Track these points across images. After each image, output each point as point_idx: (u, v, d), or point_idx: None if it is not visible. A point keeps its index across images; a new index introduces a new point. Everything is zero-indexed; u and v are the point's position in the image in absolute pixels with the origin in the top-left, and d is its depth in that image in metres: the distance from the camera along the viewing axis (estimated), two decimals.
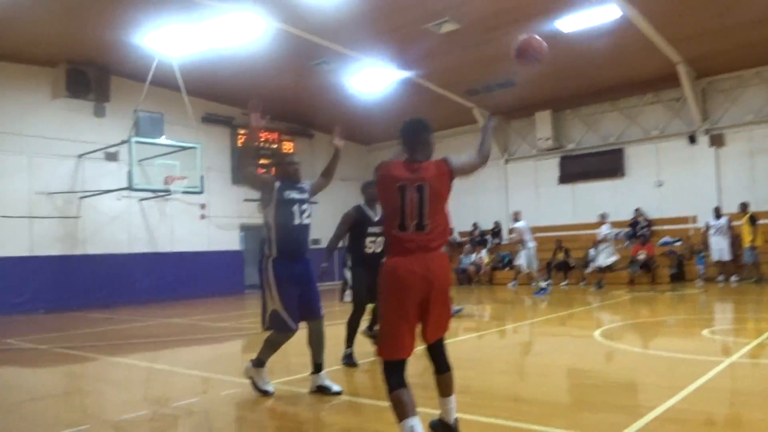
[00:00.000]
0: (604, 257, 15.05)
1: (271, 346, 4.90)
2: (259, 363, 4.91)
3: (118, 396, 5.52)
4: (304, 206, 4.87)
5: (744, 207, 14.12)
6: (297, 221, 4.80)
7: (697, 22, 12.82)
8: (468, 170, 3.55)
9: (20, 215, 14.35)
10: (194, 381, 5.90)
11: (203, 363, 7.01)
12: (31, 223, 14.55)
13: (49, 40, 13.61)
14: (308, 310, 4.84)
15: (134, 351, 7.91)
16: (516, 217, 14.26)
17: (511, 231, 15.32)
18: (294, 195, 4.82)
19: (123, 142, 14.07)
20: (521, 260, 14.21)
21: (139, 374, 6.55)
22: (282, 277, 4.72)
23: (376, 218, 5.92)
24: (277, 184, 4.80)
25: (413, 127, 3.47)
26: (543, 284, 13.75)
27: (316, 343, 4.93)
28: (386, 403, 3.25)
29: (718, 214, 14.36)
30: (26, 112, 14.64)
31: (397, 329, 3.20)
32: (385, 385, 3.20)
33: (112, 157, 15.63)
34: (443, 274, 3.30)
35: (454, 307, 13.58)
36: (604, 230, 15.13)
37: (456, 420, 3.48)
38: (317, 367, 4.91)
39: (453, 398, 3.47)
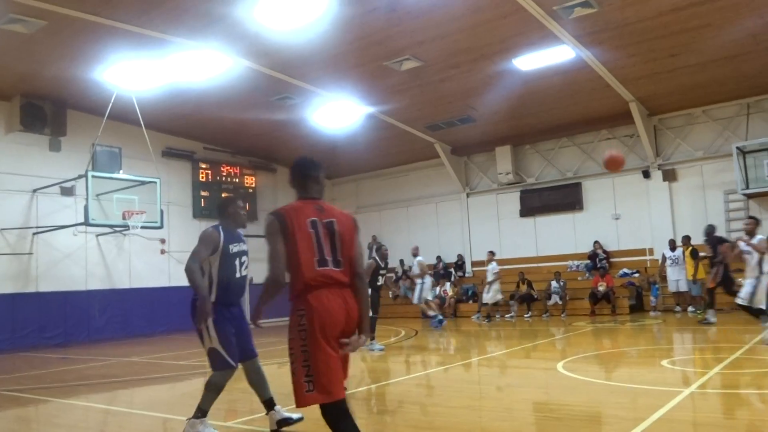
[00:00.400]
0: (492, 295, 15.70)
1: (213, 389, 4.73)
2: (201, 414, 4.65)
3: None
4: (244, 258, 4.97)
5: (686, 240, 14.46)
6: (238, 275, 4.89)
7: (647, 64, 13.36)
8: (359, 258, 3.34)
9: None
10: (153, 422, 5.72)
11: (162, 403, 6.80)
12: None
13: (3, 74, 13.32)
14: (243, 350, 4.84)
15: (90, 392, 7.62)
16: (415, 252, 14.43)
17: (410, 267, 15.45)
18: (236, 248, 4.88)
19: (80, 177, 13.80)
20: (423, 293, 14.11)
21: (94, 417, 6.30)
22: (218, 318, 4.72)
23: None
24: (222, 237, 4.80)
25: (304, 165, 3.41)
26: (431, 313, 13.82)
27: (258, 380, 4.90)
28: None
29: (673, 246, 14.75)
30: None
31: (331, 364, 3.01)
32: None
33: (68, 191, 15.26)
34: (355, 312, 3.19)
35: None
36: (492, 267, 15.66)
37: None
38: (269, 404, 4.86)
39: None
